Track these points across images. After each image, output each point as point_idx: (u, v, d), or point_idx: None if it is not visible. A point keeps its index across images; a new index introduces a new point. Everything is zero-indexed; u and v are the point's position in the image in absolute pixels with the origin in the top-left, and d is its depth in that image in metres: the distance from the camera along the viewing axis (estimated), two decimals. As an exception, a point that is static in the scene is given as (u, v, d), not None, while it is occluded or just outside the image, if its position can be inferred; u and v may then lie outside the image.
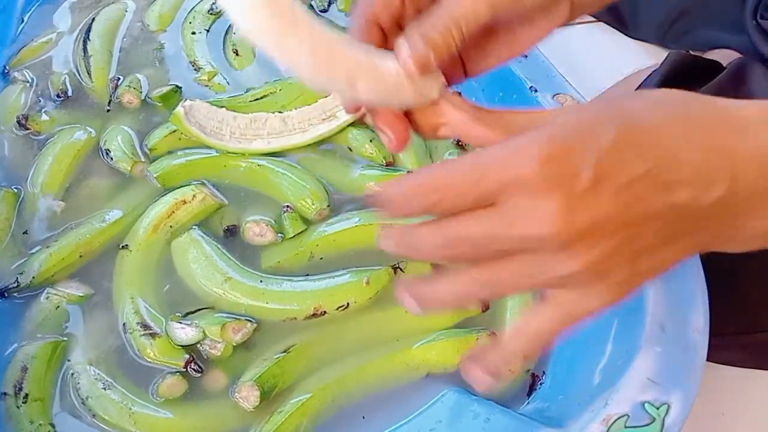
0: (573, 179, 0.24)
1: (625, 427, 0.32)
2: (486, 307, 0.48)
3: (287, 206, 0.53)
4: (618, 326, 0.38)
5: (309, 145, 0.57)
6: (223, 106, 0.58)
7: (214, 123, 0.56)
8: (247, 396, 0.43)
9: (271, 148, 0.56)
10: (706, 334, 0.35)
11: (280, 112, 0.58)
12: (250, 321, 0.46)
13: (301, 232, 0.52)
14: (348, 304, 0.48)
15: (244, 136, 0.56)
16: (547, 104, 0.51)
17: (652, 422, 0.32)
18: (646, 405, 0.33)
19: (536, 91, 0.52)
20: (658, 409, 0.33)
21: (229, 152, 0.56)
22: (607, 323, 0.39)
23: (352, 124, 0.58)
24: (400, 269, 0.50)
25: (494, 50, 0.36)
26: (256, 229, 0.52)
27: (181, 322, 0.46)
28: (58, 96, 0.60)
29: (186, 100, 0.57)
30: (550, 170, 0.24)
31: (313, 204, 0.53)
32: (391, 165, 0.57)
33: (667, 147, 0.25)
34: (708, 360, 0.36)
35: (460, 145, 0.58)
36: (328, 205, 0.53)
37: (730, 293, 0.41)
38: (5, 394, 0.44)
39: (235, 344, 0.46)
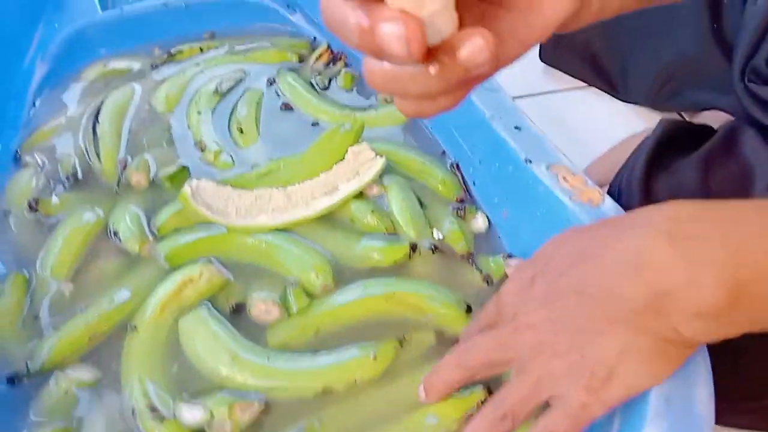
0: None
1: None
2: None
3: (291, 282, 0.54)
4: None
5: (312, 219, 0.59)
6: (228, 184, 0.59)
7: (220, 201, 0.58)
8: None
9: (276, 223, 0.58)
10: (711, 406, 0.35)
11: (284, 187, 0.59)
12: (258, 401, 0.46)
13: (307, 306, 0.52)
14: (356, 381, 0.48)
15: (250, 213, 0.58)
16: (542, 175, 0.52)
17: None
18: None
19: (531, 162, 0.53)
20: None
21: (235, 229, 0.57)
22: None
23: (353, 197, 0.60)
24: (407, 342, 0.50)
25: (509, 27, 0.30)
26: (262, 306, 0.53)
27: (188, 403, 0.46)
28: (67, 179, 0.61)
29: (192, 179, 0.59)
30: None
31: (317, 278, 0.53)
32: (392, 234, 0.58)
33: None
34: (716, 423, 0.36)
35: (460, 216, 0.59)
36: (333, 279, 0.54)
37: (734, 361, 0.41)
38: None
39: (243, 425, 0.46)
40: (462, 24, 0.26)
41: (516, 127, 0.55)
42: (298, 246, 0.56)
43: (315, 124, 0.68)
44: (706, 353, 0.38)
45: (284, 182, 0.60)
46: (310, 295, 0.53)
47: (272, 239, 0.57)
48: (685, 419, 0.35)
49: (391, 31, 0.22)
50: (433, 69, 0.25)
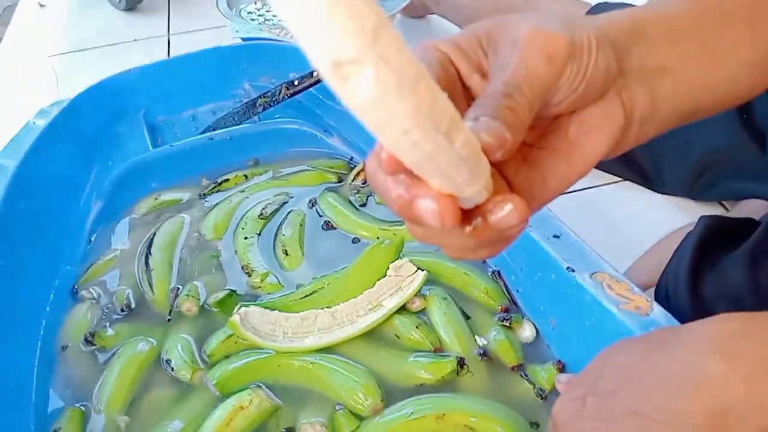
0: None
1: None
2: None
3: (339, 405, 0.54)
4: None
5: (358, 336, 0.59)
6: (276, 308, 0.61)
7: (268, 326, 0.59)
8: None
9: (322, 343, 0.58)
10: None
11: (328, 307, 0.61)
12: None
13: (356, 429, 0.52)
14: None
15: (297, 335, 0.59)
16: (587, 284, 0.52)
17: None
18: None
19: (573, 271, 0.53)
20: None
21: (283, 351, 0.58)
22: None
23: (397, 312, 0.60)
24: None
25: (551, 167, 0.30)
26: (310, 430, 0.52)
27: None
28: (122, 310, 0.64)
29: (240, 306, 0.60)
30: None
31: (366, 400, 0.53)
32: (439, 350, 0.58)
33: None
34: None
35: (506, 325, 0.59)
36: (382, 399, 0.54)
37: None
38: None
39: None
40: (504, 169, 0.28)
41: (555, 236, 0.56)
42: (344, 367, 0.56)
43: (356, 240, 0.70)
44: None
45: (329, 302, 0.61)
46: (359, 417, 0.53)
47: (319, 361, 0.57)
48: None
49: (426, 207, 0.24)
50: (468, 229, 0.26)
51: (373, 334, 0.60)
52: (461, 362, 0.56)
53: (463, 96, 0.30)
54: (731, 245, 0.58)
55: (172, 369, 0.58)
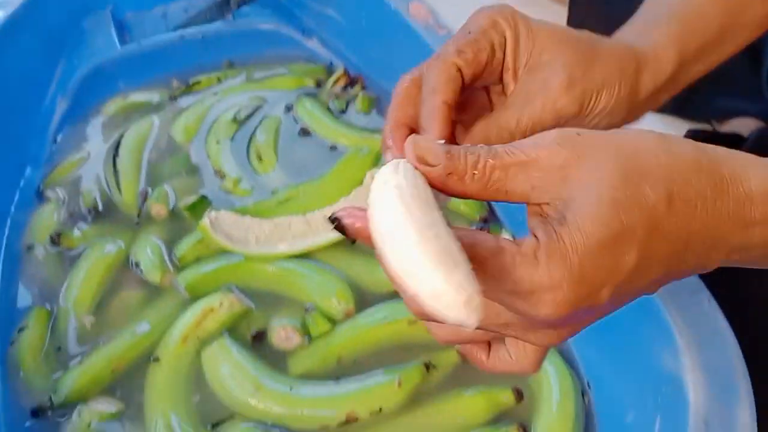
0: (587, 310, 0.25)
1: None
2: (521, 397, 0.46)
3: (310, 306, 0.53)
4: (661, 423, 0.36)
5: (333, 244, 0.58)
6: (247, 213, 0.59)
7: (240, 231, 0.57)
8: None
9: (296, 250, 0.57)
10: (754, 429, 0.33)
11: (303, 214, 0.59)
12: None
13: (328, 332, 0.51)
14: (381, 408, 0.47)
15: (269, 241, 0.57)
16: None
17: None
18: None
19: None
20: None
21: (256, 257, 0.56)
22: (649, 419, 0.37)
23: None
24: (432, 366, 0.49)
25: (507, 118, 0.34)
26: (282, 333, 0.52)
27: (213, 436, 0.45)
28: (89, 212, 0.62)
29: (212, 210, 0.58)
30: (573, 309, 0.25)
31: (339, 304, 0.52)
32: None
33: (680, 258, 0.26)
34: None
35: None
36: (354, 304, 0.53)
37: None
38: None
39: None
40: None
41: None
42: (318, 272, 0.55)
43: (333, 148, 0.67)
44: (746, 371, 0.35)
45: (303, 209, 0.60)
46: (331, 321, 0.52)
47: (292, 266, 0.56)
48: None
49: None
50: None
51: (347, 242, 0.59)
52: None
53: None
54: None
55: (141, 271, 0.56)
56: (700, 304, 0.40)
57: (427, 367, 0.49)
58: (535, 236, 0.24)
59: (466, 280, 0.21)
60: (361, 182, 0.61)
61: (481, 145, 0.26)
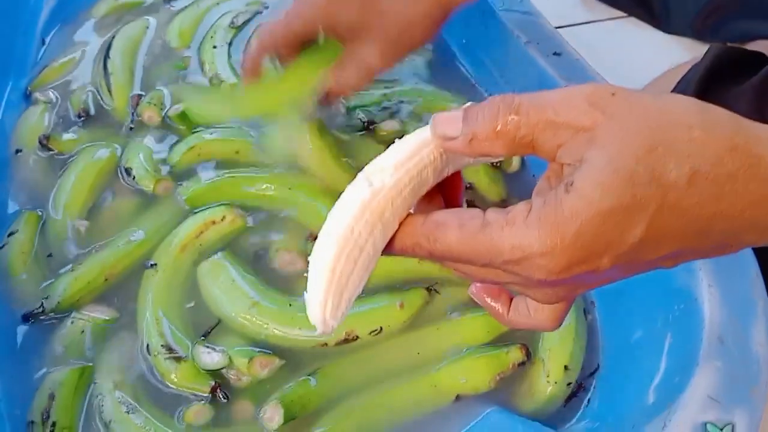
0: (587, 275, 0.25)
1: (686, 451, 0.30)
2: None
3: (311, 234, 0.51)
4: (672, 340, 0.35)
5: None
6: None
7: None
8: (272, 416, 0.41)
9: None
10: (770, 346, 0.32)
11: None
12: (278, 356, 0.44)
13: None
14: (381, 328, 0.46)
15: None
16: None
17: (715, 445, 0.30)
18: (708, 426, 0.30)
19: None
20: (721, 430, 0.30)
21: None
22: (659, 336, 0.36)
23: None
24: (435, 290, 0.48)
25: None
26: (287, 257, 0.50)
27: (207, 346, 0.44)
28: (79, 116, 0.59)
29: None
30: (569, 273, 0.24)
31: None
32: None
33: (702, 237, 0.25)
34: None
35: (495, 165, 0.56)
36: None
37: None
38: (33, 422, 0.42)
39: (260, 378, 0.44)
40: None
41: (555, 53, 0.51)
42: (323, 197, 0.52)
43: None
44: (763, 288, 0.34)
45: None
46: None
47: (299, 190, 0.53)
48: (740, 360, 0.32)
49: None
50: None
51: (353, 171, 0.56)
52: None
53: None
54: (739, 78, 0.54)
55: (134, 178, 0.54)
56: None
57: (429, 290, 0.48)
58: (531, 202, 0.24)
59: (334, 311, 0.25)
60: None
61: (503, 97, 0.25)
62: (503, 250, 0.24)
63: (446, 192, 0.29)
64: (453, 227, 0.25)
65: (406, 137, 0.27)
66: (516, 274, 0.25)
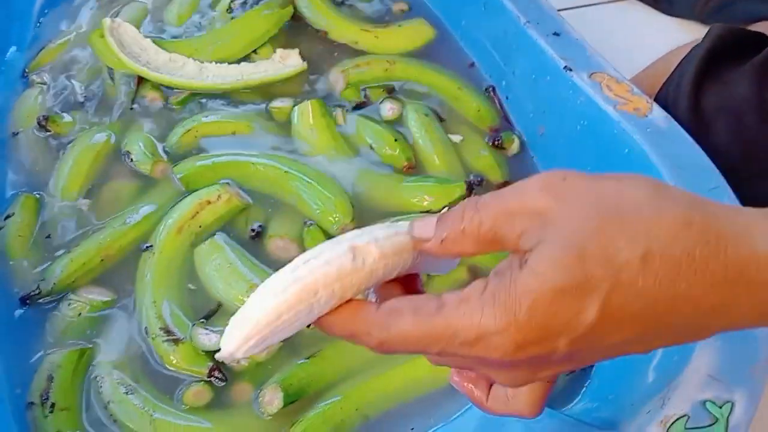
0: (545, 357, 0.24)
1: (686, 428, 0.30)
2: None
3: (310, 221, 0.51)
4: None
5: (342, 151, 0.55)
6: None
7: (135, 47, 0.59)
8: (271, 399, 0.41)
9: (178, 82, 0.58)
10: (771, 325, 0.32)
11: (200, 61, 0.60)
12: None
13: None
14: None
15: (158, 69, 0.59)
16: (583, 84, 0.48)
17: (714, 423, 0.29)
18: (708, 404, 0.30)
19: (570, 70, 0.49)
20: (720, 408, 0.30)
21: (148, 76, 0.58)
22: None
23: (373, 121, 0.56)
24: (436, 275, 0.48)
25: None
26: (279, 243, 0.50)
27: (205, 328, 0.44)
28: (78, 97, 0.59)
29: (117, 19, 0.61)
30: (525, 353, 0.24)
31: (335, 218, 0.50)
32: (411, 168, 0.54)
33: (664, 320, 0.23)
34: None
35: (497, 146, 0.55)
36: (352, 220, 0.50)
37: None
38: (32, 404, 0.42)
39: (259, 361, 0.44)
40: None
41: (554, 33, 0.50)
42: (319, 182, 0.51)
43: (325, 35, 0.64)
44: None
45: (200, 54, 0.61)
46: (327, 235, 0.50)
47: (295, 171, 0.52)
48: (740, 339, 0.32)
49: None
50: None
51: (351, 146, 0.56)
52: (470, 185, 0.52)
53: None
54: (740, 59, 0.54)
55: (132, 161, 0.54)
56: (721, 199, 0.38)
57: (429, 274, 0.47)
58: (488, 280, 0.24)
59: (249, 349, 0.25)
60: (268, 56, 0.61)
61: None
62: (458, 330, 0.24)
63: (404, 280, 0.29)
64: (408, 313, 0.25)
65: (392, 225, 0.27)
66: (474, 357, 0.24)
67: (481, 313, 0.23)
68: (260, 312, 0.25)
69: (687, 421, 0.30)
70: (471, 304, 0.24)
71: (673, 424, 0.30)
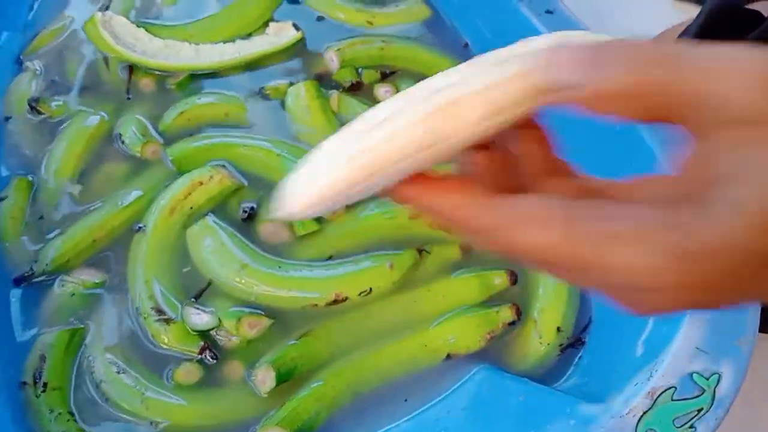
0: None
1: (673, 399, 0.30)
2: (515, 281, 0.45)
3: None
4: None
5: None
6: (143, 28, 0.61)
7: (129, 37, 0.59)
8: (263, 379, 0.41)
9: (175, 65, 0.58)
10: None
11: (195, 43, 0.60)
12: (268, 317, 0.44)
13: (315, 231, 0.49)
14: (371, 289, 0.45)
15: (155, 56, 0.59)
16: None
17: (701, 394, 0.29)
18: (695, 376, 0.30)
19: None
20: (707, 379, 0.30)
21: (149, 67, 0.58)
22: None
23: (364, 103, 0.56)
24: (426, 251, 0.47)
25: None
26: (270, 227, 0.50)
27: (197, 308, 0.44)
28: (71, 82, 0.59)
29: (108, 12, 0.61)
30: None
31: None
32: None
33: None
34: (763, 332, 0.33)
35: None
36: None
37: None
38: (24, 383, 0.43)
39: (250, 339, 0.44)
40: None
41: (547, 11, 0.50)
42: None
43: (320, 18, 0.63)
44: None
45: (195, 38, 0.61)
46: (318, 220, 0.49)
47: (287, 154, 0.52)
48: (728, 311, 0.32)
49: None
50: None
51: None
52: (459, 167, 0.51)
53: None
54: (736, 36, 0.53)
55: (124, 143, 0.54)
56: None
57: (420, 251, 0.47)
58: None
59: (319, 207, 0.21)
60: (262, 30, 0.62)
61: None
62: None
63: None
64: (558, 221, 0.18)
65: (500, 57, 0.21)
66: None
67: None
68: (343, 164, 0.20)
69: (674, 393, 0.30)
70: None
71: (660, 395, 0.30)
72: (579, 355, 0.39)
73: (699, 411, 0.29)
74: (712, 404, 0.29)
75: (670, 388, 0.29)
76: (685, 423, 0.29)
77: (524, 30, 0.52)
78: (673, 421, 0.29)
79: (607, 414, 0.30)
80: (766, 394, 0.39)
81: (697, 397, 0.29)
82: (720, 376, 0.30)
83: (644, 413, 0.29)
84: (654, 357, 0.31)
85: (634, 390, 0.30)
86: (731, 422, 0.30)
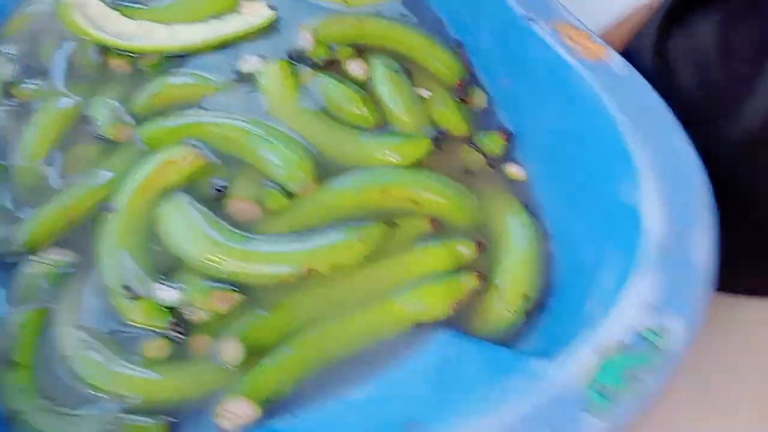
0: None
1: (624, 354, 0.29)
2: (482, 250, 0.45)
3: (269, 182, 0.50)
4: (615, 251, 0.35)
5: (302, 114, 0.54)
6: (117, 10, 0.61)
7: (102, 19, 0.60)
8: (232, 351, 0.41)
9: (151, 46, 0.59)
10: (712, 252, 0.31)
11: (168, 24, 0.60)
12: (238, 291, 0.44)
13: (286, 206, 0.49)
14: (340, 262, 0.45)
15: (129, 38, 0.59)
16: (545, 34, 0.47)
17: (652, 349, 0.29)
18: (644, 332, 0.30)
19: (532, 20, 0.48)
20: (658, 335, 0.30)
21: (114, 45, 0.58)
22: (606, 254, 0.36)
23: (340, 81, 0.55)
24: (396, 224, 0.47)
25: None
26: (241, 204, 0.50)
27: (164, 283, 0.44)
28: (45, 66, 0.59)
29: None
30: None
31: (299, 177, 0.49)
32: (380, 127, 0.53)
33: None
34: (723, 291, 0.32)
35: (464, 101, 0.55)
36: (315, 180, 0.49)
37: (745, 216, 0.37)
38: (-7, 363, 0.43)
39: (220, 314, 0.44)
40: None
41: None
42: (281, 140, 0.51)
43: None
44: (708, 191, 0.33)
45: (170, 19, 0.60)
46: (289, 195, 0.49)
47: (259, 130, 0.52)
48: (681, 268, 0.32)
49: None
50: None
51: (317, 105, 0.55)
52: (438, 140, 0.51)
53: None
54: (706, 10, 0.53)
55: (96, 124, 0.54)
56: (672, 141, 0.37)
57: (391, 225, 0.47)
58: None
59: None
60: (234, 8, 0.61)
61: None
62: None
63: None
64: None
65: None
66: None
67: None
68: None
69: (623, 349, 0.29)
70: None
71: (608, 351, 0.29)
72: (542, 318, 0.39)
73: (649, 366, 0.28)
74: (662, 359, 0.29)
75: (618, 343, 0.29)
76: (635, 377, 0.28)
77: (499, 8, 0.52)
78: (623, 374, 0.29)
79: (559, 369, 0.30)
80: (729, 355, 0.39)
81: (648, 352, 0.29)
82: (671, 332, 0.30)
83: (595, 368, 0.29)
84: (603, 312, 0.31)
85: (581, 346, 0.30)
86: (695, 379, 0.30)
